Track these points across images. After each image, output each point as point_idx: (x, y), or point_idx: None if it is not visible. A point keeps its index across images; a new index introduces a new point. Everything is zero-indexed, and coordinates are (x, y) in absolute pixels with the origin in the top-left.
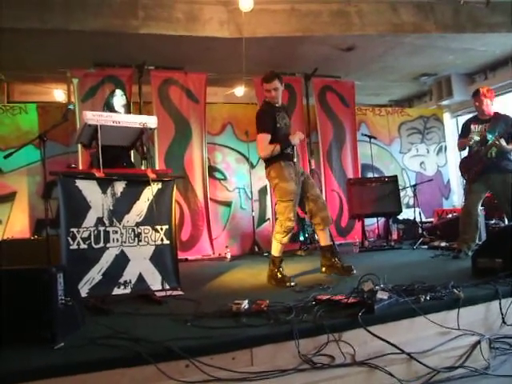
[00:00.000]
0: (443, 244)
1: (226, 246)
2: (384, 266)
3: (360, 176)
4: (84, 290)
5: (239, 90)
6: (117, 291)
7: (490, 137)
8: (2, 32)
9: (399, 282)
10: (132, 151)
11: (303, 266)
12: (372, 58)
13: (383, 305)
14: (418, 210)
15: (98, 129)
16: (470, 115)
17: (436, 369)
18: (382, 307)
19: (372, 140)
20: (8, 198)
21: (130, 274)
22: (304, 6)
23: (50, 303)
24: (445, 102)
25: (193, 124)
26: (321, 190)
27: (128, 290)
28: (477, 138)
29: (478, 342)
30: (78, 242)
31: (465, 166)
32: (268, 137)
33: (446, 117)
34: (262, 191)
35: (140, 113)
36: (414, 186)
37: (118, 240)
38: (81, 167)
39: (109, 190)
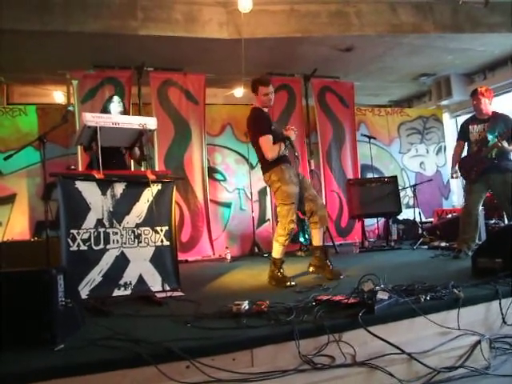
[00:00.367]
0: (443, 244)
1: (226, 247)
2: (384, 266)
3: (360, 176)
4: (84, 292)
5: (238, 91)
6: (117, 292)
7: (490, 137)
8: (1, 33)
9: (399, 282)
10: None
11: (303, 267)
12: (371, 58)
13: (383, 305)
14: (417, 210)
15: (98, 130)
16: (470, 115)
17: (436, 369)
18: (382, 307)
19: (371, 140)
20: (8, 199)
21: (130, 275)
22: (303, 6)
23: (50, 305)
24: (444, 102)
25: (192, 125)
26: (320, 191)
27: (128, 292)
28: None
29: (479, 342)
30: (78, 243)
31: (465, 166)
32: (270, 137)
33: (446, 117)
34: (262, 192)
35: (139, 114)
36: (414, 186)
37: (118, 241)
38: (80, 169)
39: (108, 192)
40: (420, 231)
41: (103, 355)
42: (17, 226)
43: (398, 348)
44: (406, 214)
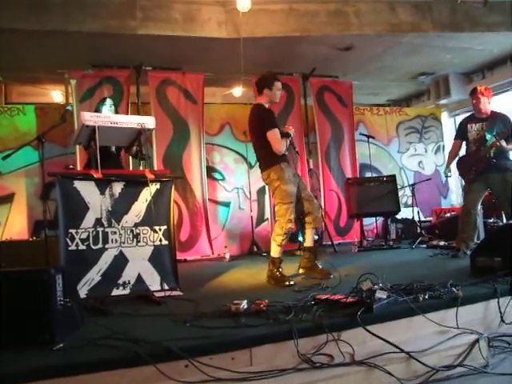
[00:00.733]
0: (442, 243)
1: (225, 247)
2: (383, 265)
3: (358, 176)
4: (83, 291)
5: (237, 91)
6: (116, 292)
7: (488, 136)
8: (0, 33)
9: (398, 281)
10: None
11: None
12: (370, 57)
13: (382, 304)
14: (416, 209)
15: (96, 130)
16: (468, 114)
17: (435, 367)
18: (380, 306)
19: (370, 140)
20: (6, 199)
21: (128, 274)
22: (302, 5)
23: (49, 304)
24: (443, 101)
25: (191, 124)
26: (319, 190)
27: (127, 291)
28: None
29: (477, 341)
30: (77, 242)
31: (464, 165)
32: (278, 131)
33: (444, 116)
34: (261, 191)
35: (138, 113)
36: (413, 185)
37: (116, 241)
38: (79, 168)
39: (107, 191)
40: (419, 230)
41: (102, 354)
42: (15, 225)
43: (396, 347)
44: (404, 213)
